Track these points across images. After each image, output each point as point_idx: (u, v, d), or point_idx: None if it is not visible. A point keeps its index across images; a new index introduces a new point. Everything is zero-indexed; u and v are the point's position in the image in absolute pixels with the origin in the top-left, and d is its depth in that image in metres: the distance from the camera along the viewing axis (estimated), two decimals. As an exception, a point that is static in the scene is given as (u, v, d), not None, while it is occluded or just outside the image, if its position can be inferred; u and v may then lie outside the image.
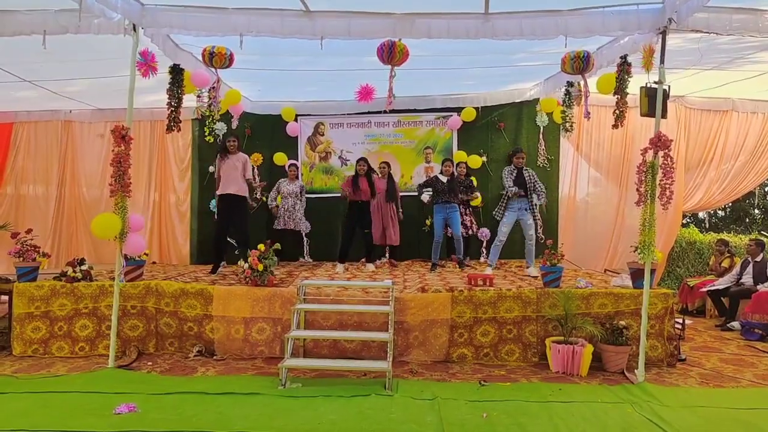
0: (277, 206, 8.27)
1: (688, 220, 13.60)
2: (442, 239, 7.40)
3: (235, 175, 6.78)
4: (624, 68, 5.32)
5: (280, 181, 8.36)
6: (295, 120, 8.88)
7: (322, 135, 9.10)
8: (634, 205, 4.91)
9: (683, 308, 7.94)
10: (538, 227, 6.99)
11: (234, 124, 7.67)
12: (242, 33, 5.12)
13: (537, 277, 6.26)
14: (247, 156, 7.07)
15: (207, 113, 6.08)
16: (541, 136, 8.69)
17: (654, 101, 4.71)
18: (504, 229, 6.76)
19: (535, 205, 6.78)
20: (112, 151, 4.99)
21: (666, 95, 4.77)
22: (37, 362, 5.14)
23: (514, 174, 6.70)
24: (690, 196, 8.71)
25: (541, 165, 8.59)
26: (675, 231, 8.80)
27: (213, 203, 8.16)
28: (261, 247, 5.61)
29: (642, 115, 4.86)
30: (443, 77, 7.44)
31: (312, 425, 3.62)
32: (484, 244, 8.50)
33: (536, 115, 8.63)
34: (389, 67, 5.35)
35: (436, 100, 8.62)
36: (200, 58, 5.74)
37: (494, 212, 7.02)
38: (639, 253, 4.83)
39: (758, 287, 6.82)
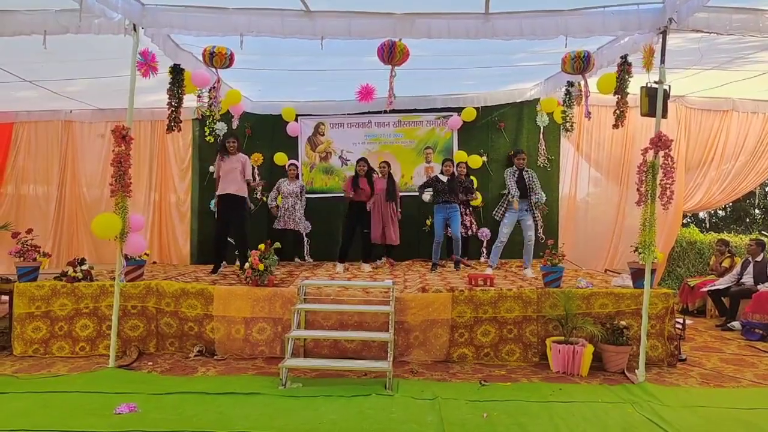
0: (277, 206, 8.27)
1: (689, 220, 13.60)
2: (443, 239, 7.40)
3: (234, 175, 6.77)
4: (624, 68, 5.32)
5: (280, 181, 8.36)
6: (296, 120, 8.88)
7: (323, 135, 9.10)
8: (635, 205, 4.91)
9: (684, 308, 7.94)
10: (539, 227, 6.99)
11: (234, 124, 7.66)
12: (243, 33, 5.11)
13: (534, 278, 6.27)
14: (246, 157, 7.06)
15: (207, 113, 6.08)
16: (541, 136, 8.69)
17: (654, 101, 4.71)
18: (505, 231, 6.76)
19: (536, 204, 6.77)
20: (113, 151, 4.99)
21: (666, 95, 4.77)
22: (38, 362, 5.14)
23: (516, 176, 6.69)
24: (690, 196, 8.71)
25: (541, 165, 8.59)
26: (675, 231, 8.79)
27: (212, 203, 8.15)
28: (261, 246, 5.61)
29: (642, 115, 4.86)
30: (443, 77, 7.44)
31: (312, 425, 3.62)
32: (485, 244, 8.51)
33: (536, 115, 8.62)
34: (389, 67, 5.35)
35: (437, 100, 8.62)
36: (201, 58, 5.74)
37: (494, 212, 7.02)
38: (639, 253, 4.83)
39: (759, 287, 6.82)
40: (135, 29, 5.03)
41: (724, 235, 9.44)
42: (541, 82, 7.96)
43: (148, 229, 8.87)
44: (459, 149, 8.78)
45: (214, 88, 6.05)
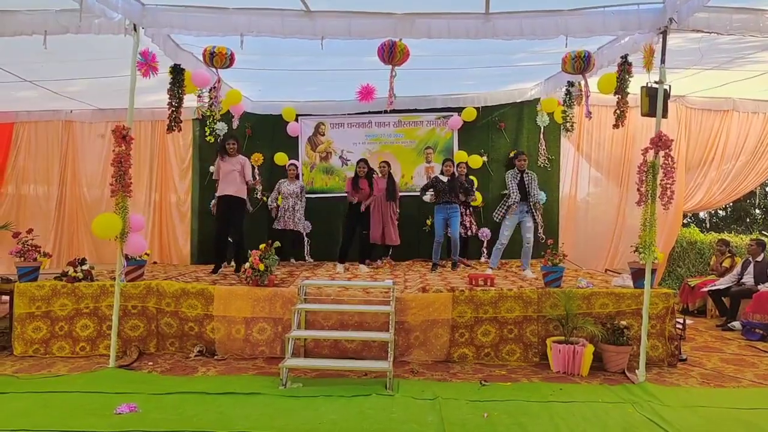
0: (278, 207, 8.27)
1: (689, 220, 13.60)
2: (443, 239, 7.40)
3: (234, 177, 6.73)
4: (625, 68, 5.33)
5: (280, 181, 8.35)
6: (296, 120, 8.89)
7: (323, 135, 9.10)
8: (635, 205, 4.91)
9: (684, 308, 7.94)
10: (539, 228, 6.99)
11: (235, 124, 7.67)
12: (243, 33, 5.12)
13: (534, 278, 6.27)
14: (246, 158, 7.01)
15: (208, 113, 6.09)
16: (541, 136, 8.69)
17: (655, 101, 4.71)
18: (506, 233, 6.76)
19: (535, 205, 6.76)
20: (113, 151, 5.00)
21: (667, 95, 4.77)
22: (38, 362, 5.14)
23: (518, 179, 6.67)
24: (691, 196, 8.71)
25: (541, 165, 8.59)
26: (676, 231, 8.79)
27: (211, 204, 8.14)
28: (262, 246, 5.61)
29: (643, 114, 4.86)
30: (444, 77, 7.44)
31: (313, 425, 3.62)
32: (485, 244, 8.51)
33: (537, 115, 8.63)
34: (390, 67, 5.35)
35: (437, 100, 8.62)
36: (201, 58, 5.74)
37: (494, 214, 7.00)
38: (639, 253, 4.83)
39: (759, 287, 6.81)
40: (135, 29, 5.03)
41: (725, 235, 9.44)
42: (541, 82, 7.97)
43: (149, 229, 8.88)
44: (459, 149, 8.78)
45: (214, 88, 6.06)
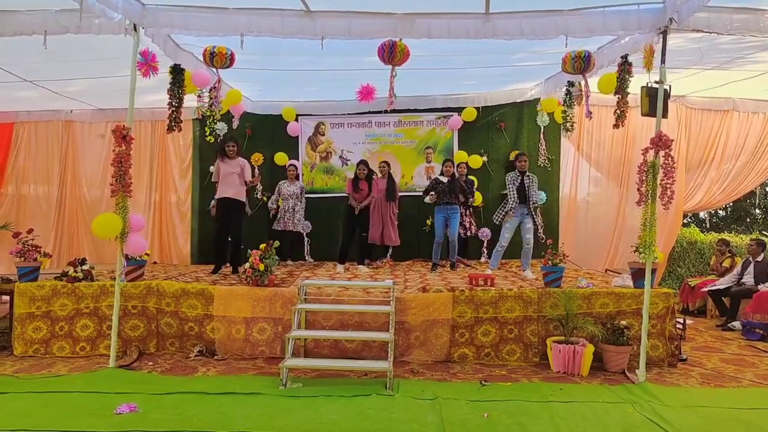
0: (278, 207, 8.26)
1: (689, 219, 13.60)
2: (443, 239, 7.39)
3: (233, 179, 6.71)
4: (625, 68, 5.33)
5: (279, 183, 8.33)
6: (296, 120, 8.89)
7: (323, 135, 9.11)
8: (635, 205, 4.91)
9: (684, 308, 7.94)
10: (539, 228, 6.98)
11: (235, 124, 7.67)
12: (243, 33, 5.12)
13: (534, 278, 6.28)
14: (246, 161, 6.98)
15: (208, 113, 6.09)
16: (541, 136, 8.69)
17: (655, 101, 4.71)
18: (507, 235, 6.74)
19: (534, 206, 6.74)
20: (113, 151, 5.00)
21: (667, 95, 4.77)
22: (38, 362, 5.14)
23: (517, 182, 6.66)
24: (691, 196, 8.71)
25: (541, 165, 8.59)
26: (676, 231, 8.79)
27: (210, 205, 8.14)
28: (262, 246, 5.61)
29: (643, 114, 4.86)
30: (444, 77, 7.44)
31: (313, 425, 3.62)
32: (485, 244, 8.51)
33: (537, 115, 8.62)
34: (390, 66, 5.35)
35: (437, 99, 8.62)
36: (201, 58, 5.74)
37: (494, 216, 6.98)
38: (640, 253, 4.82)
39: (759, 287, 6.81)
40: (135, 29, 5.03)
41: (725, 235, 9.44)
42: (541, 82, 7.96)
43: (149, 229, 8.88)
44: (459, 149, 8.78)
45: (214, 88, 6.06)
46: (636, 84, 5.13)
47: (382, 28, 5.09)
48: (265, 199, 8.70)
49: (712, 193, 8.71)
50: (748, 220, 14.77)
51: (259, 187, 8.79)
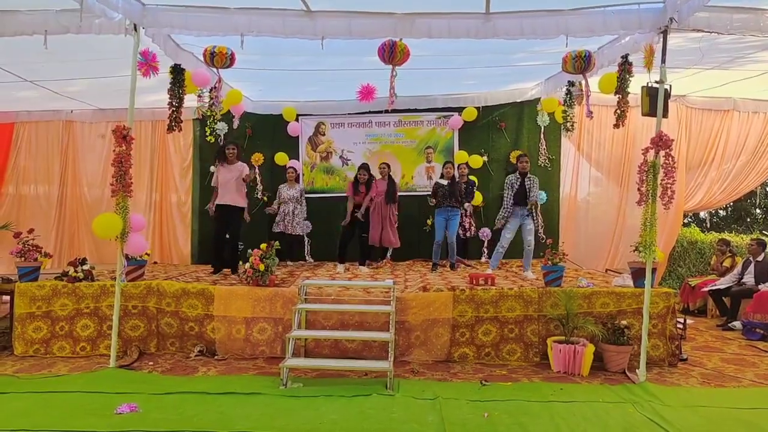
0: (278, 208, 8.21)
1: (690, 219, 13.59)
2: (443, 239, 7.39)
3: (232, 185, 6.69)
4: (625, 68, 5.33)
5: (279, 187, 8.29)
6: (296, 120, 8.89)
7: (323, 135, 9.11)
8: (635, 205, 4.91)
9: (685, 308, 7.94)
10: (539, 228, 6.98)
11: (235, 124, 7.66)
12: (243, 33, 5.11)
13: (535, 278, 6.28)
14: (245, 165, 6.94)
15: (208, 113, 6.09)
16: (542, 136, 8.68)
17: (655, 101, 4.70)
18: (508, 235, 6.73)
19: (534, 205, 6.73)
20: (114, 151, 5.00)
21: (667, 95, 4.77)
22: (39, 362, 5.14)
23: (517, 185, 6.62)
24: (691, 196, 8.71)
25: (542, 165, 8.59)
26: (676, 231, 8.79)
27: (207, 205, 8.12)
28: (263, 246, 5.61)
29: (643, 114, 4.86)
30: (444, 77, 7.44)
31: (313, 425, 3.62)
32: (485, 244, 8.50)
33: (537, 115, 8.62)
34: (390, 66, 5.35)
35: (437, 99, 8.62)
36: (201, 58, 5.74)
37: (496, 220, 6.96)
38: (640, 253, 4.82)
39: (760, 287, 6.81)
40: (136, 29, 5.03)
41: (725, 235, 9.43)
42: (541, 82, 7.96)
43: (149, 229, 8.88)
44: (460, 149, 8.78)
45: (215, 88, 6.06)
46: (636, 84, 5.13)
47: (382, 28, 5.08)
48: (265, 198, 8.70)
49: (712, 193, 8.71)
50: (748, 219, 14.75)
51: (260, 186, 8.79)
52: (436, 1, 5.03)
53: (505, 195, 6.69)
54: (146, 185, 9.01)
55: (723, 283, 7.36)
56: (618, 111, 5.38)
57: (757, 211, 14.90)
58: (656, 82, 4.70)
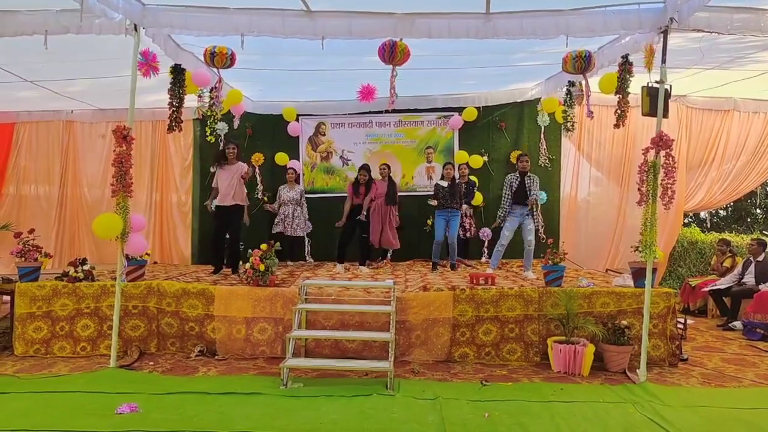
0: (278, 207, 8.21)
1: (690, 219, 13.58)
2: (443, 239, 7.38)
3: (232, 186, 6.70)
4: (625, 68, 5.33)
5: (279, 188, 8.28)
6: (297, 120, 8.89)
7: (324, 135, 9.11)
8: (636, 205, 4.91)
9: (685, 308, 7.93)
10: (539, 228, 6.97)
11: (235, 124, 7.66)
12: (243, 33, 5.11)
13: (535, 278, 6.28)
14: (245, 164, 6.93)
15: (208, 113, 6.09)
16: (542, 136, 8.68)
17: (655, 101, 4.70)
18: (506, 233, 6.74)
19: (533, 203, 6.72)
20: (114, 151, 5.00)
21: (667, 95, 4.77)
22: (39, 362, 5.14)
23: (515, 185, 6.62)
24: (691, 196, 8.70)
25: (542, 165, 8.59)
26: (676, 231, 8.79)
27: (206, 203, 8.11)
28: (264, 246, 5.61)
29: (643, 114, 4.86)
30: (444, 77, 7.44)
31: (314, 425, 3.62)
32: (486, 244, 8.50)
33: (537, 115, 8.61)
34: (390, 66, 5.35)
35: (437, 99, 8.61)
36: (202, 58, 5.74)
37: (498, 217, 6.96)
38: (640, 253, 4.82)
39: (760, 287, 6.81)
40: (136, 29, 5.03)
41: (726, 235, 9.43)
42: (542, 82, 7.96)
43: (150, 229, 8.88)
44: (460, 149, 8.78)
45: (215, 88, 6.06)
46: (636, 84, 5.13)
47: (382, 28, 5.08)
48: (265, 199, 8.70)
49: (712, 193, 8.71)
50: (748, 219, 14.75)
51: (260, 186, 8.79)
52: (436, 1, 5.02)
53: (504, 194, 6.70)
54: (146, 185, 9.01)
55: (723, 283, 7.35)
56: (618, 111, 5.38)
57: (758, 211, 14.89)
58: (656, 82, 4.70)
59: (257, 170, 8.70)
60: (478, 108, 8.60)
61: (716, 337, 6.40)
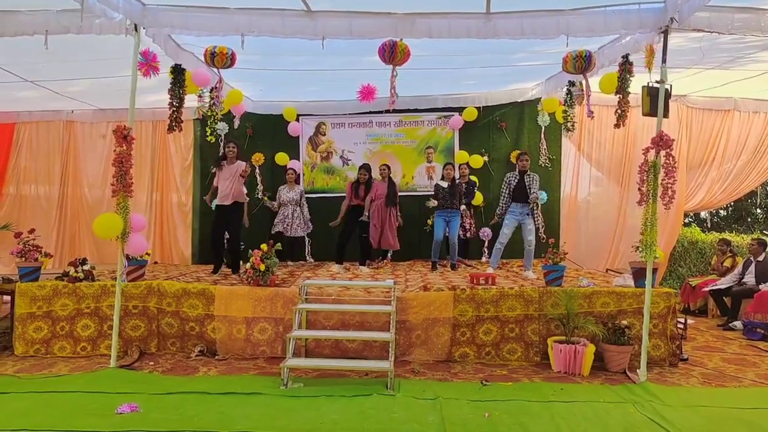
0: (278, 208, 8.21)
1: (690, 219, 13.58)
2: (442, 238, 7.38)
3: (232, 184, 6.70)
4: (626, 67, 5.32)
5: (279, 189, 8.28)
6: (297, 120, 8.89)
7: (324, 135, 9.11)
8: (636, 205, 4.91)
9: (685, 308, 7.93)
10: (540, 226, 6.97)
11: (236, 124, 7.65)
12: (244, 33, 5.12)
13: (536, 278, 6.28)
14: (243, 163, 6.86)
15: (209, 113, 6.09)
16: (542, 136, 8.68)
17: (656, 101, 4.70)
18: (506, 231, 6.74)
19: (535, 203, 6.73)
20: (114, 151, 5.00)
21: (668, 95, 4.76)
22: (39, 362, 5.14)
23: (515, 183, 6.62)
24: (692, 196, 8.70)
25: (542, 165, 8.59)
26: (677, 231, 8.79)
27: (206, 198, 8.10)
28: (264, 246, 5.61)
29: (644, 114, 4.86)
30: (444, 77, 7.44)
31: (314, 425, 3.62)
32: (486, 244, 8.50)
33: (538, 115, 8.61)
34: (390, 66, 5.35)
35: (438, 99, 8.61)
36: (202, 58, 5.75)
37: (496, 214, 6.96)
38: (641, 253, 4.82)
39: (760, 287, 6.81)
40: (136, 29, 5.03)
41: (726, 235, 9.44)
42: (542, 82, 7.96)
43: (150, 229, 8.88)
44: (460, 149, 8.78)
45: (215, 88, 6.06)
46: (637, 83, 5.13)
47: (382, 28, 5.08)
48: (266, 199, 8.69)
49: (713, 193, 8.71)
50: (749, 219, 14.75)
51: (260, 186, 8.79)
52: (437, 1, 5.02)
53: (502, 193, 6.71)
54: (147, 185, 9.01)
55: (724, 283, 7.35)
56: (618, 111, 5.37)
57: (758, 210, 14.89)
58: (657, 81, 4.70)
59: (257, 170, 8.70)
60: (478, 108, 8.60)
61: (716, 337, 6.39)
